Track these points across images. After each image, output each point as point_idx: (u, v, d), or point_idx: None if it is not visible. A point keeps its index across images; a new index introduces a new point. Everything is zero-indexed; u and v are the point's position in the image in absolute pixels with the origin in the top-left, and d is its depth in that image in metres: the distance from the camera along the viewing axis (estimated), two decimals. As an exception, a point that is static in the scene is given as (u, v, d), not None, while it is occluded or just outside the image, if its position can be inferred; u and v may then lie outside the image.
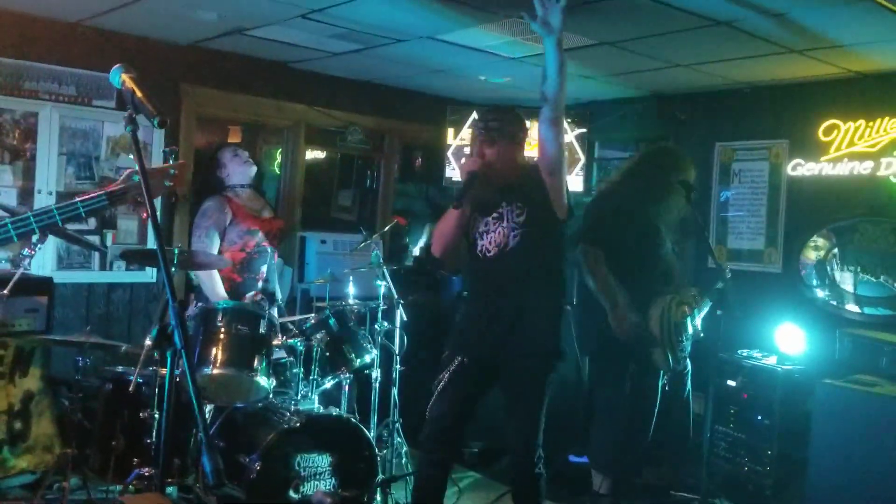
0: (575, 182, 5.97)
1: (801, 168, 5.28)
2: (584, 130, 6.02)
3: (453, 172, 6.17)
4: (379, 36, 4.69)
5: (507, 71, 5.43)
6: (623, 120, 6.25)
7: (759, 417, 4.58)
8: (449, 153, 6.15)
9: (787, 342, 4.79)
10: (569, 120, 5.95)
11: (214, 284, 4.25)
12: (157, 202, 5.00)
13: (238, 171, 4.59)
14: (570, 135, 5.96)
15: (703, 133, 5.83)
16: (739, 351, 4.86)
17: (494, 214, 3.32)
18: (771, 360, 4.71)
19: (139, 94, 2.03)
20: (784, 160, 5.39)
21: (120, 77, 2.09)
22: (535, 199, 3.27)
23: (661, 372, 4.24)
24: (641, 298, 4.14)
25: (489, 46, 4.77)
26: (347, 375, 4.18)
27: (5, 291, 3.52)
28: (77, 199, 2.03)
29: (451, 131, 6.15)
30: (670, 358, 4.17)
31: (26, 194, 4.73)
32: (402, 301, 4.61)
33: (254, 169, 4.68)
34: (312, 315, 4.27)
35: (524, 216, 3.26)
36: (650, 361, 4.17)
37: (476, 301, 3.42)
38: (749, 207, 5.59)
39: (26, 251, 3.68)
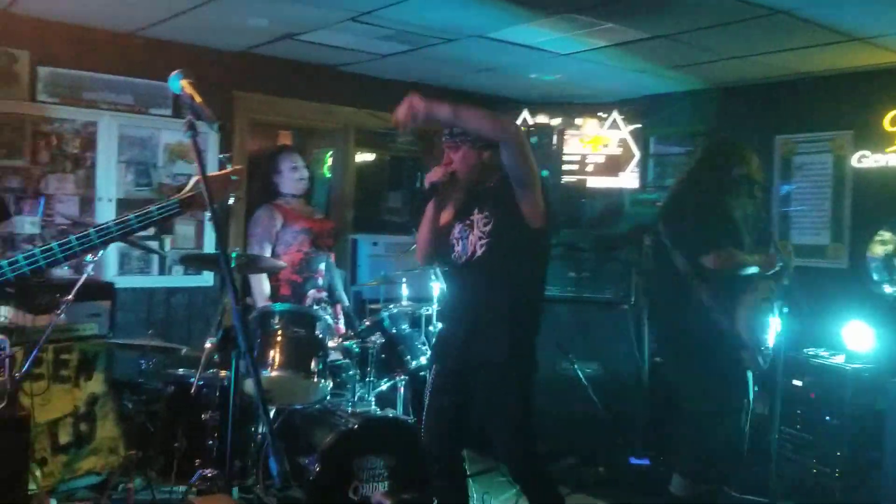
0: (630, 179, 5.88)
1: (866, 160, 5.12)
2: (638, 126, 5.92)
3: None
4: (428, 36, 4.68)
5: (558, 68, 5.38)
6: (679, 114, 6.14)
7: (828, 418, 4.44)
8: (501, 152, 6.10)
9: (856, 340, 4.64)
10: (622, 116, 5.87)
11: (262, 289, 4.31)
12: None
13: (291, 183, 4.63)
14: (625, 130, 5.87)
15: (762, 126, 5.68)
16: (805, 350, 4.72)
17: (467, 222, 3.23)
18: (839, 359, 4.57)
19: (198, 99, 2.04)
20: (848, 152, 5.23)
21: (179, 83, 2.09)
22: (505, 208, 3.14)
23: (750, 375, 4.06)
24: (727, 299, 3.96)
25: (539, 43, 4.73)
26: (403, 377, 4.17)
27: (70, 297, 3.60)
28: (152, 206, 2.07)
29: (502, 130, 6.10)
30: (760, 359, 4.02)
31: (87, 202, 4.83)
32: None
33: (306, 184, 4.71)
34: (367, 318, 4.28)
35: (491, 225, 3.15)
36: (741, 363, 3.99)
37: (448, 308, 3.43)
38: (812, 201, 5.44)
39: (89, 257, 3.77)
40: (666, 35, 4.43)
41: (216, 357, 3.57)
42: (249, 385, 3.31)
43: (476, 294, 3.21)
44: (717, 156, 4.20)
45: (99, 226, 2.01)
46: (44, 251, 1.98)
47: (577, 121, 6.00)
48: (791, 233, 5.53)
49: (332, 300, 4.55)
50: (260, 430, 3.79)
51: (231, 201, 2.18)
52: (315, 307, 4.09)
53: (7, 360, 3.35)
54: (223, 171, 2.18)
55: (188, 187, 2.12)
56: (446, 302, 3.51)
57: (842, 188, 5.27)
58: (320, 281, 4.39)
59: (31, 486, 3.82)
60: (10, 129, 4.58)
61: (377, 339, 4.00)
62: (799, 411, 4.57)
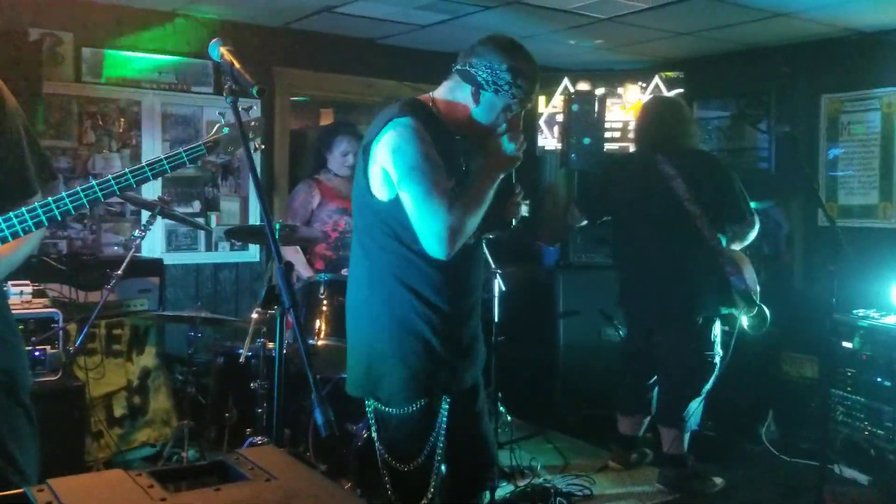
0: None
1: (916, 116, 4.98)
2: (681, 91, 5.82)
3: (546, 141, 6.08)
4: (465, 4, 4.65)
5: (599, 33, 5.31)
6: (722, 77, 6.02)
7: (879, 379, 4.36)
8: (541, 121, 6.07)
9: (908, 300, 4.54)
10: (664, 81, 5.78)
11: (301, 259, 4.35)
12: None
13: (338, 165, 4.62)
14: (668, 95, 5.78)
15: (807, 86, 5.55)
16: (855, 311, 4.63)
17: None
18: (890, 320, 4.47)
19: (237, 65, 2.05)
20: (897, 109, 5.09)
21: (218, 50, 2.11)
22: None
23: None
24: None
25: (579, 7, 4.66)
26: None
27: (119, 272, 3.69)
28: (181, 149, 2.10)
29: (542, 99, 6.06)
30: (767, 311, 4.09)
31: None
32: (499, 271, 4.58)
33: (351, 173, 4.67)
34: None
35: None
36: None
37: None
38: (860, 161, 5.31)
39: (137, 233, 3.86)
40: (707, -6, 4.35)
41: (264, 327, 3.63)
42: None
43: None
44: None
45: (133, 168, 2.03)
46: (85, 189, 2.00)
47: (619, 88, 5.93)
48: (839, 193, 5.41)
49: None
50: (308, 396, 3.85)
51: (256, 145, 2.17)
52: None
53: (61, 332, 3.45)
54: (246, 120, 2.18)
55: (211, 133, 2.15)
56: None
57: (890, 146, 5.14)
58: None
59: (88, 458, 3.95)
60: (57, 109, 4.68)
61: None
62: (849, 373, 4.49)
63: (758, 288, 4.19)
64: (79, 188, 1.98)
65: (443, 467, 2.47)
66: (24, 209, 1.98)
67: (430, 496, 2.39)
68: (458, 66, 2.47)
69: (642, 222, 4.28)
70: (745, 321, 4.23)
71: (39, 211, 1.98)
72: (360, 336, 2.46)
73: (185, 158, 2.08)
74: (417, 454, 2.38)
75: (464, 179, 2.46)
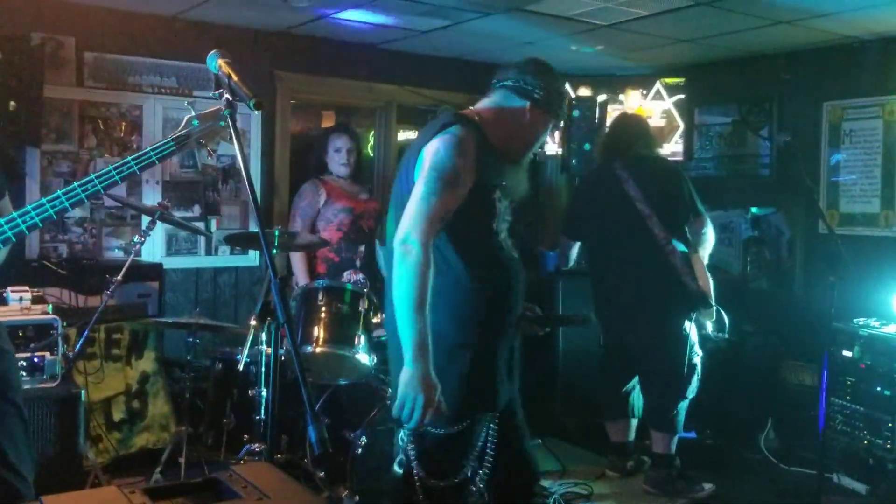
0: (675, 150, 5.80)
1: (918, 124, 4.97)
2: (682, 97, 5.83)
3: (547, 146, 6.08)
4: (465, 10, 4.65)
5: (600, 39, 5.30)
6: (723, 84, 6.02)
7: (879, 388, 4.35)
8: (542, 127, 6.07)
9: (908, 309, 4.53)
10: (666, 86, 5.78)
11: (303, 266, 4.36)
12: (258, 192, 5.14)
13: (336, 165, 4.65)
14: (668, 101, 5.79)
15: (809, 93, 5.54)
16: (855, 320, 4.62)
17: None
18: (890, 329, 4.47)
19: (235, 77, 2.07)
20: (899, 117, 5.09)
21: (216, 62, 2.13)
22: None
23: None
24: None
25: (580, 14, 4.66)
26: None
27: (119, 277, 3.70)
28: (147, 147, 2.12)
29: (543, 104, 6.05)
30: (725, 316, 4.15)
31: (134, 185, 4.93)
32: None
33: (348, 169, 4.68)
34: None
35: None
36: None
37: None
38: (862, 168, 5.30)
39: (137, 238, 3.86)
40: (708, 2, 4.34)
41: (262, 334, 3.63)
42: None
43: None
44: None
45: (100, 172, 2.06)
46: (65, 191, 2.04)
47: (620, 93, 5.93)
48: (840, 201, 5.40)
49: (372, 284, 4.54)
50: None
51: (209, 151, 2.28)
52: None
53: (59, 339, 3.46)
54: (212, 109, 2.20)
55: (180, 127, 2.16)
56: None
57: (892, 154, 5.13)
58: (358, 263, 4.41)
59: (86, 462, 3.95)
60: (59, 114, 4.68)
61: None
62: (849, 382, 4.49)
63: (712, 291, 4.24)
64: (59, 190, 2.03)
65: (481, 484, 2.45)
66: (28, 206, 2.00)
67: None
68: (511, 83, 2.56)
69: (604, 230, 4.37)
70: (709, 326, 4.28)
71: (47, 206, 2.00)
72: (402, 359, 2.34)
73: (154, 157, 2.09)
74: (457, 472, 2.39)
75: (503, 191, 2.49)
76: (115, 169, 2.07)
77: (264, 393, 3.45)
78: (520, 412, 2.66)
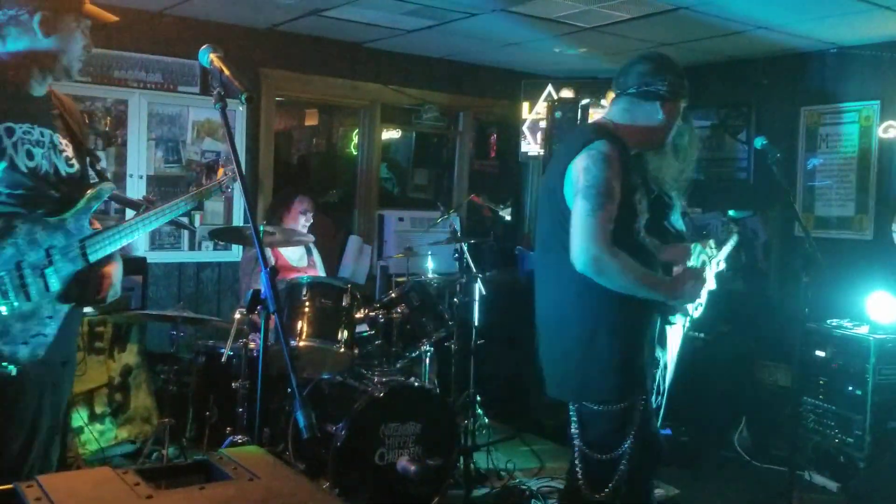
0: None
1: (893, 130, 5.08)
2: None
3: (529, 147, 6.15)
4: (450, 10, 4.70)
5: (583, 42, 5.38)
6: (703, 87, 6.11)
7: (851, 388, 4.45)
8: (524, 127, 6.14)
9: (879, 311, 4.63)
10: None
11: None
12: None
13: (296, 223, 4.65)
14: (648, 104, 5.87)
15: (786, 98, 5.65)
16: (828, 321, 4.73)
17: None
18: (862, 330, 4.57)
19: (227, 72, 2.10)
20: (874, 122, 5.19)
21: (208, 56, 2.16)
22: None
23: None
24: None
25: (563, 16, 4.73)
26: (427, 348, 4.25)
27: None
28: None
29: (525, 105, 6.13)
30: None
31: (118, 179, 4.94)
32: (480, 275, 4.65)
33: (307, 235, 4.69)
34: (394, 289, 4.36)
35: None
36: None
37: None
38: (837, 173, 5.41)
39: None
40: (689, 7, 4.42)
41: (245, 327, 3.66)
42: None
43: None
44: None
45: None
46: None
47: (602, 96, 6.00)
48: (816, 204, 5.51)
49: None
50: (288, 397, 3.90)
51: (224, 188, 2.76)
52: None
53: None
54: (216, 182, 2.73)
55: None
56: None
57: (868, 159, 5.24)
58: None
59: (69, 453, 3.97)
60: (43, 107, 4.68)
61: (402, 310, 4.09)
62: (822, 382, 4.59)
63: None
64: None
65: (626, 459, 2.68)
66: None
67: (615, 481, 2.63)
68: (634, 90, 2.72)
69: None
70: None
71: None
72: (570, 345, 2.65)
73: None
74: (617, 446, 2.62)
75: (645, 192, 2.72)
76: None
77: (248, 385, 3.49)
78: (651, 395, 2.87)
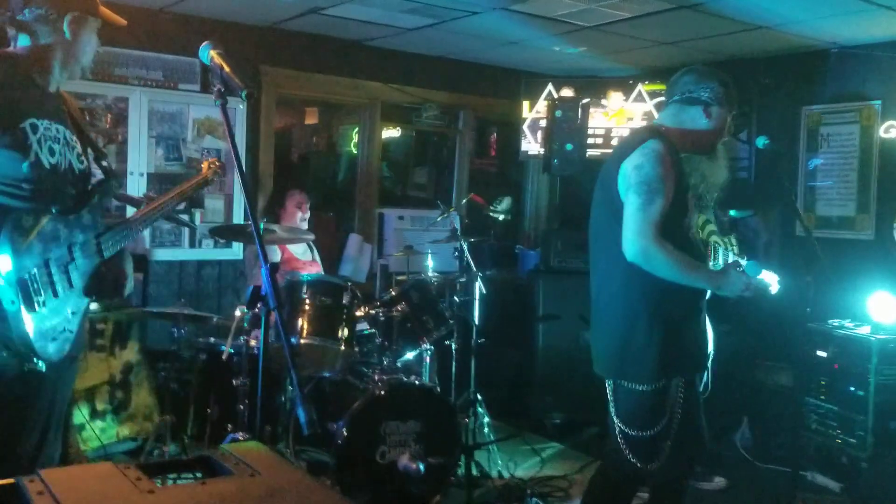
0: (654, 152, 5.87)
1: (894, 130, 5.08)
2: (662, 99, 5.90)
3: (529, 146, 6.14)
4: (451, 9, 4.70)
5: (583, 40, 5.37)
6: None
7: (852, 388, 4.44)
8: (524, 126, 6.13)
9: (881, 311, 4.62)
10: (647, 86, 5.86)
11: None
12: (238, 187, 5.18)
13: (292, 218, 4.66)
14: (650, 104, 5.87)
15: (788, 97, 5.64)
16: (830, 321, 4.72)
17: None
18: (864, 330, 4.56)
19: (227, 68, 2.11)
20: (876, 122, 5.19)
21: (208, 53, 2.16)
22: None
23: None
24: None
25: (564, 15, 4.73)
26: (428, 346, 4.24)
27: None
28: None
29: (526, 104, 6.12)
30: None
31: (118, 176, 4.93)
32: (480, 274, 4.65)
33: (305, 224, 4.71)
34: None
35: None
36: None
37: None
38: (839, 173, 5.40)
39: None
40: (691, 6, 4.42)
41: (246, 325, 3.66)
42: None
43: None
44: None
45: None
46: None
47: (602, 95, 6.00)
48: (817, 204, 5.51)
49: None
50: (289, 394, 3.90)
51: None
52: None
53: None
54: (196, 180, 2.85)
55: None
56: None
57: (869, 159, 5.24)
58: None
59: (70, 450, 3.96)
60: (44, 104, 4.68)
61: (403, 308, 4.08)
62: (823, 382, 4.57)
63: None
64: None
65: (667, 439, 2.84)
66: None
67: (661, 459, 2.81)
68: (679, 97, 2.91)
69: None
70: None
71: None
72: (614, 326, 2.86)
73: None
74: (653, 425, 2.79)
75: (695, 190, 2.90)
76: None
77: (249, 382, 3.49)
78: (700, 386, 2.98)
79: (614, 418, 2.88)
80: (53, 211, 2.18)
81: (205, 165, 2.98)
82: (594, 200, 2.99)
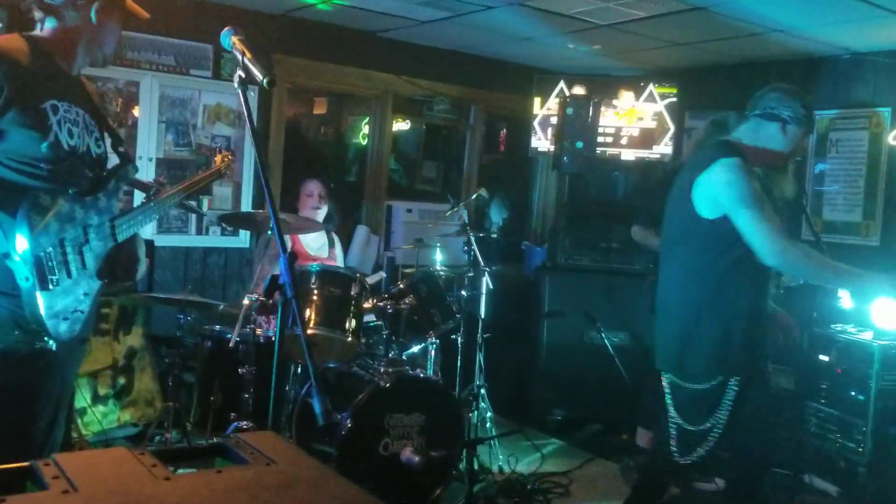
0: (664, 151, 5.88)
1: (903, 137, 5.08)
2: (673, 100, 5.91)
3: (539, 143, 6.14)
4: (467, 3, 4.69)
5: (597, 38, 5.36)
6: (715, 89, 6.10)
7: (853, 393, 4.45)
8: (535, 123, 6.13)
9: (884, 317, 4.62)
10: (657, 88, 5.86)
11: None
12: (250, 174, 5.18)
13: (306, 206, 4.64)
14: (660, 104, 5.87)
15: (798, 102, 5.63)
16: (832, 325, 4.72)
17: None
18: (867, 335, 4.57)
19: (249, 55, 2.11)
20: (885, 129, 5.18)
21: (230, 39, 2.18)
22: None
23: None
24: None
25: (579, 13, 4.72)
26: (434, 340, 4.25)
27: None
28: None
29: (537, 101, 6.12)
30: None
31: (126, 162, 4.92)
32: (487, 269, 4.65)
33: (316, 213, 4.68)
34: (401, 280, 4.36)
35: None
36: None
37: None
38: (846, 178, 5.40)
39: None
40: (706, 7, 4.41)
41: (253, 313, 3.66)
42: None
43: None
44: None
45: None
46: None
47: (614, 94, 6.00)
48: (823, 209, 5.51)
49: None
50: (293, 384, 3.90)
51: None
52: None
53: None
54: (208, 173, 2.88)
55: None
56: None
57: (877, 165, 5.24)
58: None
59: (72, 434, 3.97)
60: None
61: (410, 301, 4.08)
62: (824, 386, 4.58)
63: None
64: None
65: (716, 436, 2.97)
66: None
67: (704, 451, 2.96)
68: (759, 112, 3.03)
69: None
70: None
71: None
72: (676, 325, 3.01)
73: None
74: (702, 421, 2.94)
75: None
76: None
77: (255, 371, 3.49)
78: (757, 387, 3.04)
79: (670, 411, 3.02)
80: (70, 192, 2.19)
81: (218, 158, 3.01)
82: (668, 207, 3.14)
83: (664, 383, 3.06)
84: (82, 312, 2.24)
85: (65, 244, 2.16)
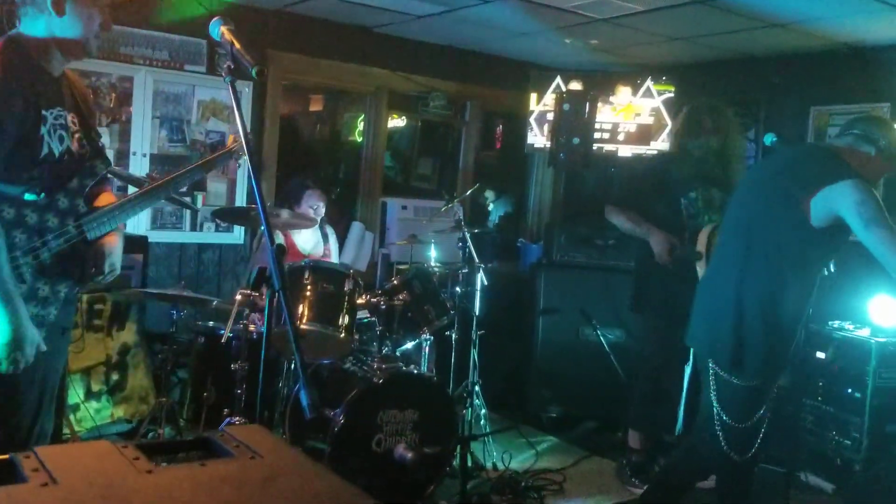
0: (661, 147, 5.85)
1: (901, 133, 5.05)
2: (671, 95, 5.88)
3: (535, 139, 6.11)
4: (463, -3, 4.68)
5: (594, 33, 5.34)
6: (712, 84, 6.08)
7: (850, 391, 4.44)
8: (531, 119, 6.10)
9: (881, 314, 4.61)
10: (654, 84, 5.83)
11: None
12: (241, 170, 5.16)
13: (308, 212, 4.64)
14: (657, 100, 5.84)
15: (797, 97, 5.62)
16: (829, 322, 4.71)
17: None
18: (864, 332, 4.56)
19: (238, 45, 2.09)
20: (883, 125, 5.16)
21: (219, 29, 2.15)
22: None
23: None
24: None
25: (576, 6, 4.69)
26: (428, 336, 4.23)
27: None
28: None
29: (533, 97, 6.09)
30: None
31: (122, 156, 4.91)
32: (482, 266, 4.63)
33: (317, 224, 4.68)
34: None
35: None
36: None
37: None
38: (844, 175, 5.38)
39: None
40: (703, 1, 4.39)
41: (246, 309, 3.64)
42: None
43: None
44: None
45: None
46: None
47: (610, 90, 5.97)
48: (821, 206, 5.48)
49: None
50: (286, 380, 3.88)
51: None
52: None
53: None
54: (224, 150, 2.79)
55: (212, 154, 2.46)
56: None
57: (875, 162, 5.21)
58: None
59: (65, 430, 3.95)
60: (48, 81, 4.64)
61: (404, 297, 4.06)
62: (821, 383, 4.57)
63: None
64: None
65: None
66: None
67: (754, 450, 3.18)
68: (858, 132, 3.15)
69: None
70: None
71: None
72: (729, 317, 3.10)
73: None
74: (748, 418, 3.11)
75: None
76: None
77: (248, 366, 3.47)
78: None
79: (714, 404, 3.13)
80: (24, 198, 2.16)
81: (231, 138, 2.98)
82: (739, 202, 3.25)
83: (709, 375, 3.14)
84: (46, 316, 2.23)
85: (14, 250, 2.13)
